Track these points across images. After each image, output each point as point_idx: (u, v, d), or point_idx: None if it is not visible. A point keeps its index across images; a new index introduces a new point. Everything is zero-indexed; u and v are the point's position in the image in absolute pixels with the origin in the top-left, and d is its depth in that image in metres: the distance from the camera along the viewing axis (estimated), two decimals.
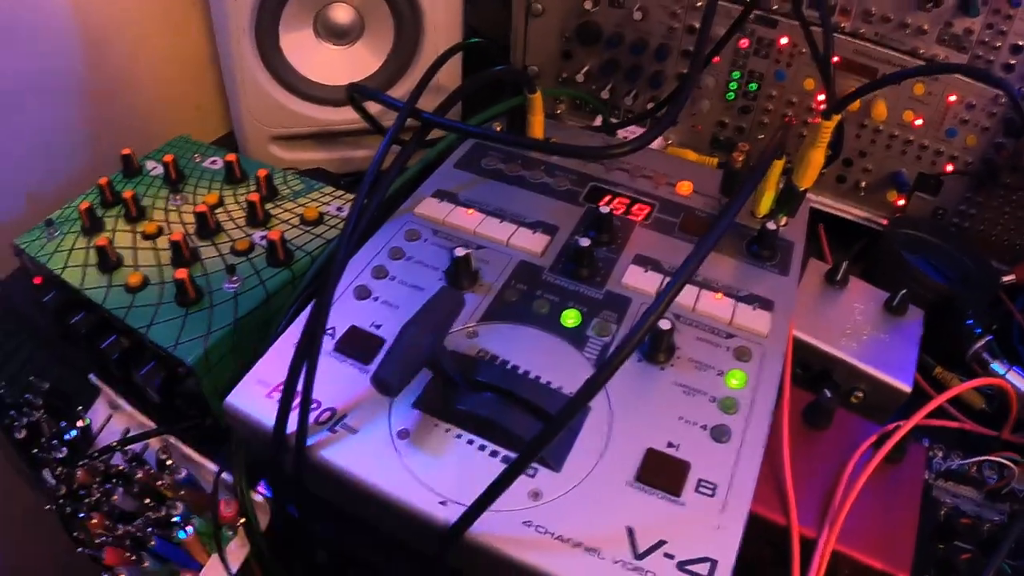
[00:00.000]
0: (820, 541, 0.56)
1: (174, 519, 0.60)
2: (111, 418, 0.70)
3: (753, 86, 0.92)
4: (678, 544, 0.49)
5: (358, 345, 0.59)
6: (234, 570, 0.58)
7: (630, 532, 0.50)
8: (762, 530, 0.56)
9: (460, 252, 0.63)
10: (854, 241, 0.95)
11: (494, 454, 0.53)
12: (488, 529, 0.49)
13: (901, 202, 0.93)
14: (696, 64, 0.77)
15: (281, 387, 0.54)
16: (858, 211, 0.96)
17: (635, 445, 0.54)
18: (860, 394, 0.71)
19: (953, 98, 0.84)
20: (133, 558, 0.60)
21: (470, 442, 0.54)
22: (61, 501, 0.64)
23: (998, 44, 0.80)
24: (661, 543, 0.49)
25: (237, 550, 0.59)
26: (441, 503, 0.51)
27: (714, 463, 0.53)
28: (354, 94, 0.72)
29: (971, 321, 0.78)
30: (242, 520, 0.59)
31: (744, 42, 0.90)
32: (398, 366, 0.51)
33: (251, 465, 0.60)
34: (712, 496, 0.52)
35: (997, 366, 0.76)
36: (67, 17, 0.85)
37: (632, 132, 0.95)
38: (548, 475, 0.52)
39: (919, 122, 0.87)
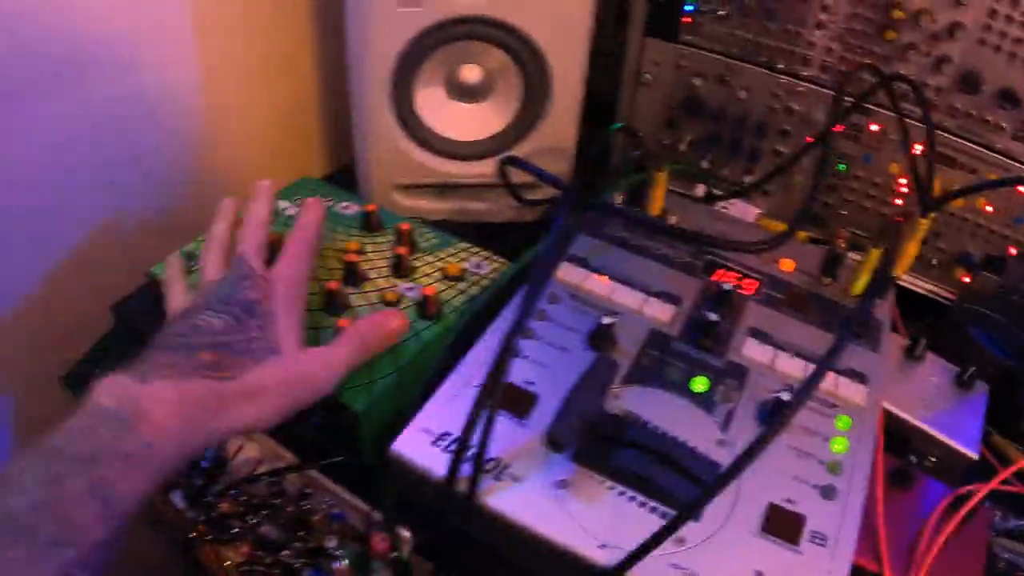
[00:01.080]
0: None
1: (329, 549, 0.64)
2: (243, 447, 0.74)
3: (842, 167, 0.98)
4: None
5: (514, 400, 0.65)
6: None
7: (759, 575, 0.56)
8: None
9: (607, 320, 0.69)
10: (920, 312, 0.99)
11: (643, 505, 0.59)
12: (641, 570, 0.54)
13: (967, 279, 0.97)
14: (824, 165, 0.82)
15: (445, 436, 0.61)
16: (927, 285, 1.00)
17: (760, 500, 0.61)
18: (934, 459, 0.76)
19: (1023, 189, 0.89)
20: None
21: (621, 494, 0.59)
22: (203, 531, 0.68)
23: None
24: None
25: None
26: (600, 546, 0.56)
27: (824, 517, 0.60)
28: (506, 163, 0.77)
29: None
30: (394, 554, 0.64)
31: (838, 127, 0.95)
32: (570, 427, 0.57)
33: (399, 505, 0.65)
34: (824, 546, 0.58)
35: None
36: (189, 51, 0.92)
37: (732, 204, 1.01)
38: (690, 524, 0.57)
39: (990, 208, 0.92)
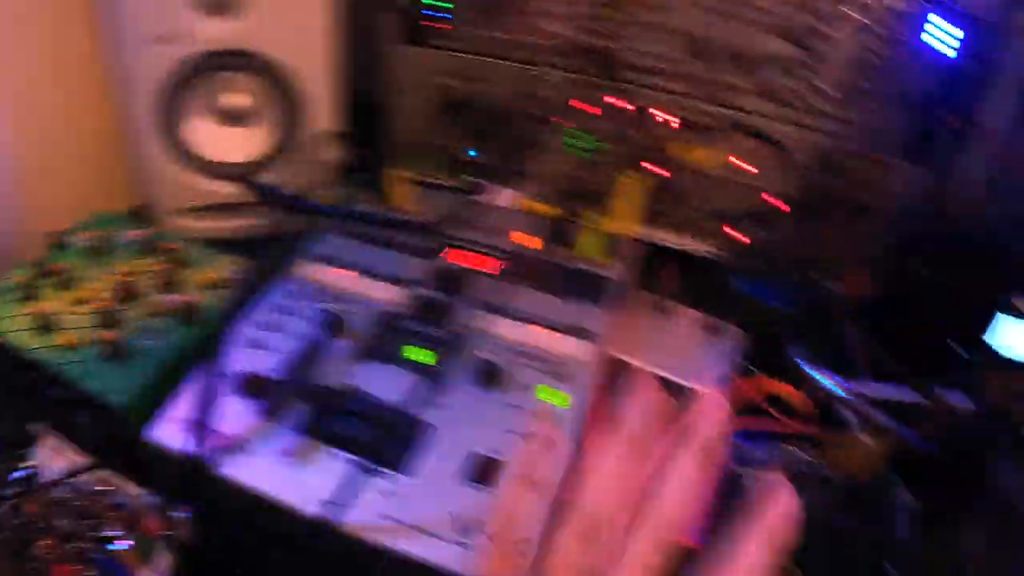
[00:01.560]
0: None
1: (112, 534, 0.74)
2: (51, 460, 0.79)
3: (591, 143, 1.06)
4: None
5: (251, 386, 0.74)
6: None
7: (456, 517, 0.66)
8: None
9: (331, 307, 0.80)
10: (694, 272, 1.05)
11: (360, 465, 0.69)
12: (356, 520, 0.65)
13: (734, 234, 1.03)
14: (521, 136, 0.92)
15: (190, 422, 0.70)
16: (695, 244, 1.06)
17: (464, 450, 0.70)
18: None
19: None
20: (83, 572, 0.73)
21: (347, 461, 0.69)
22: (13, 529, 0.76)
23: (804, 92, 0.93)
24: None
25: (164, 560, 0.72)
26: (319, 503, 0.66)
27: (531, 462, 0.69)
28: (253, 189, 0.89)
29: (789, 334, 0.91)
30: (167, 533, 0.73)
31: (582, 104, 1.03)
32: (278, 398, 0.67)
33: (172, 489, 0.73)
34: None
35: (811, 370, 0.88)
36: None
37: (500, 192, 1.08)
38: (400, 478, 0.68)
39: (744, 165, 0.99)
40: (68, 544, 0.74)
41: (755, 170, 0.99)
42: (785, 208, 1.00)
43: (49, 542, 0.73)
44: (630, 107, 0.89)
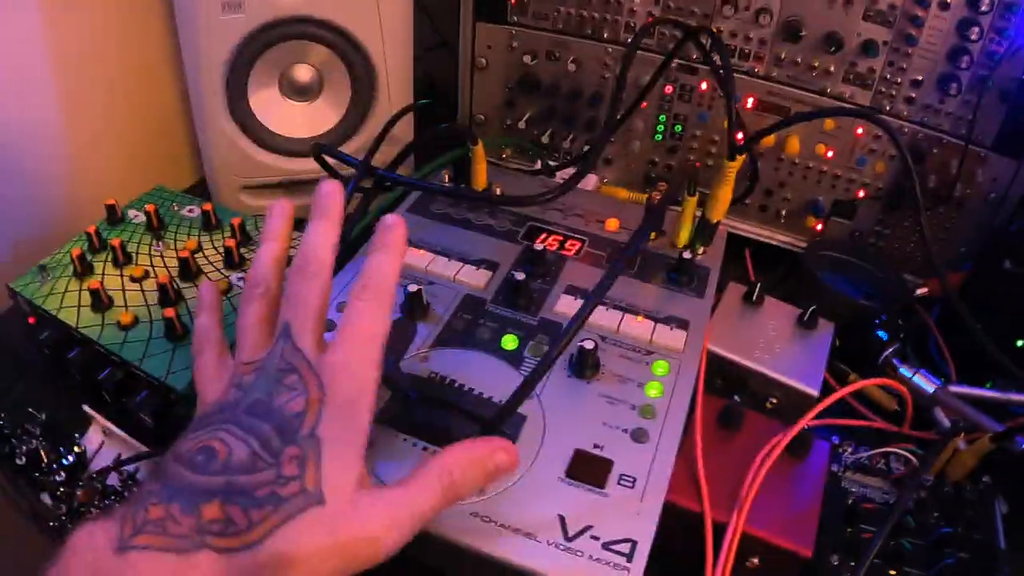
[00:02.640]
0: (730, 524, 0.64)
1: None
2: (103, 444, 0.77)
3: (678, 128, 1.03)
4: (603, 528, 0.58)
5: None
6: None
7: (561, 519, 0.58)
8: (682, 518, 0.65)
9: (412, 288, 0.73)
10: (782, 265, 1.04)
11: None
12: (441, 520, 0.56)
13: (819, 227, 1.02)
14: (611, 116, 0.87)
15: None
16: (781, 236, 1.05)
17: (565, 447, 0.63)
18: (775, 400, 0.78)
19: (860, 131, 0.94)
20: None
21: (425, 448, 0.63)
22: (63, 519, 0.72)
23: (899, 80, 0.90)
24: (588, 527, 0.58)
25: None
26: None
27: (634, 460, 0.63)
28: (318, 151, 0.82)
29: (881, 331, 0.86)
30: None
31: (668, 88, 1.00)
32: None
33: None
34: (632, 488, 0.61)
35: (904, 370, 0.83)
36: (47, 77, 0.93)
37: (568, 174, 1.04)
38: None
39: (831, 154, 0.97)
40: None
41: (842, 160, 0.97)
42: (871, 199, 0.98)
43: None
44: (724, 92, 0.84)
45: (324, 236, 0.55)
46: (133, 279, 0.81)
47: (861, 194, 0.98)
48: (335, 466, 0.45)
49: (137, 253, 0.84)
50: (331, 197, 0.57)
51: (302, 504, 0.43)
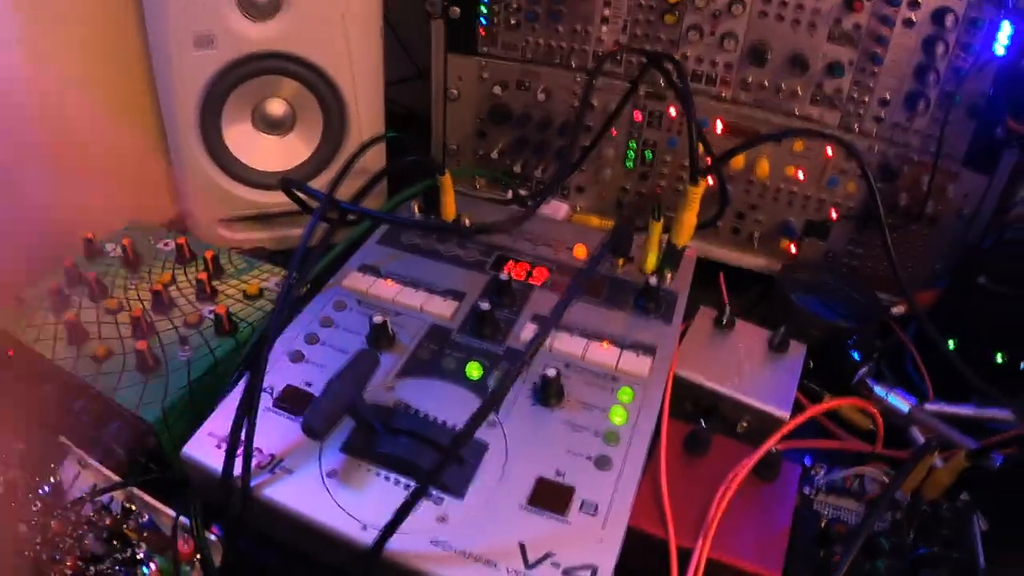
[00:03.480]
0: (696, 550, 0.64)
1: (139, 557, 0.69)
2: (80, 475, 0.78)
3: (648, 154, 1.04)
4: (564, 555, 0.59)
5: (293, 401, 0.70)
6: None
7: (522, 547, 0.60)
8: (647, 543, 0.66)
9: (378, 319, 0.74)
10: (756, 288, 1.04)
11: (408, 487, 0.63)
12: (401, 548, 0.59)
13: (793, 248, 1.03)
14: (573, 140, 0.90)
15: (226, 438, 0.65)
16: (755, 260, 1.06)
17: (527, 474, 0.64)
18: (745, 423, 0.79)
19: (830, 151, 0.95)
20: None
21: (387, 478, 0.64)
22: (38, 548, 0.73)
23: (866, 99, 0.91)
24: (549, 555, 0.59)
25: None
26: (363, 528, 0.61)
27: (596, 487, 0.64)
28: (285, 185, 0.84)
29: (854, 351, 0.87)
30: (198, 556, 0.69)
31: (638, 115, 1.02)
32: (322, 415, 0.62)
33: (205, 509, 0.68)
34: (594, 515, 0.62)
35: (879, 389, 0.84)
36: (25, 110, 0.94)
37: (547, 203, 1.06)
38: (453, 502, 0.62)
39: (801, 175, 0.98)
40: (93, 566, 0.70)
41: (813, 181, 0.98)
42: (844, 219, 0.99)
43: (73, 563, 0.70)
44: (686, 116, 0.85)
45: None
46: (108, 311, 0.82)
47: (834, 215, 0.99)
48: None
49: (113, 286, 0.86)
50: None
51: None
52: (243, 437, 0.64)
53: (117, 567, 0.69)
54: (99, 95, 1.02)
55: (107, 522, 0.72)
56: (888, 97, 0.91)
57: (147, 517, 0.73)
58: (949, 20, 0.84)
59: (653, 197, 0.82)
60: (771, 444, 0.72)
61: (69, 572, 0.70)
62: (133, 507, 0.73)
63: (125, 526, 0.72)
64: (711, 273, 0.96)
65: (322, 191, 0.80)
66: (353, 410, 0.64)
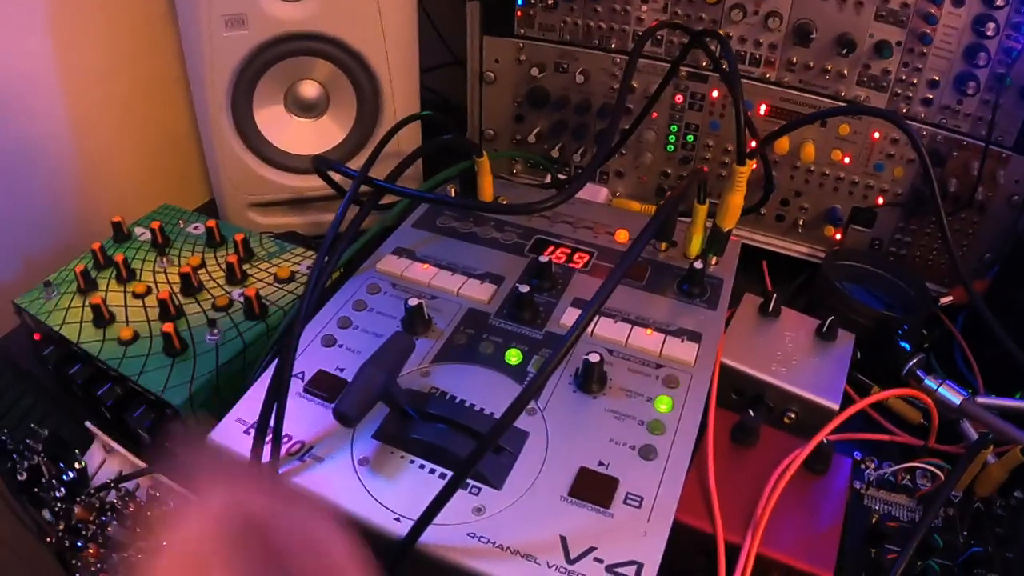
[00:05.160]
0: (744, 546, 0.61)
1: (163, 544, 0.67)
2: (105, 461, 0.76)
3: (690, 138, 1.01)
4: (607, 550, 0.56)
5: (324, 386, 0.67)
6: None
7: (563, 540, 0.56)
8: (693, 538, 0.63)
9: (413, 302, 0.71)
10: (800, 276, 1.02)
11: (442, 476, 0.60)
12: (437, 540, 0.56)
13: (838, 236, 1.00)
14: (613, 122, 0.86)
15: (256, 423, 0.62)
16: (799, 247, 1.03)
17: (569, 464, 0.61)
18: (793, 414, 0.76)
19: (877, 135, 0.92)
20: None
21: (422, 466, 0.61)
22: (60, 534, 0.71)
23: (915, 81, 0.88)
24: (591, 549, 0.56)
25: None
26: (395, 519, 0.58)
27: (641, 478, 0.61)
28: (319, 165, 0.81)
29: (903, 342, 0.83)
30: None
31: (679, 97, 0.99)
32: (355, 401, 0.59)
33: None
34: (639, 507, 0.59)
35: (929, 381, 0.80)
36: (57, 95, 0.93)
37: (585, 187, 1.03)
38: (491, 493, 0.59)
39: (847, 160, 0.95)
40: (117, 553, 0.68)
41: (859, 166, 0.95)
42: (890, 206, 0.96)
43: (96, 550, 0.68)
44: (732, 94, 0.82)
45: None
46: (136, 295, 0.81)
47: (880, 201, 0.96)
48: None
49: (141, 270, 0.84)
50: None
51: None
52: (272, 423, 0.61)
53: (140, 555, 0.67)
54: (129, 79, 1.02)
55: (131, 508, 0.70)
56: (937, 79, 0.88)
57: (172, 505, 0.71)
58: None
59: (697, 176, 0.79)
60: (824, 435, 0.69)
61: (92, 559, 0.69)
62: (158, 494, 0.71)
63: (150, 513, 0.70)
64: (751, 260, 0.92)
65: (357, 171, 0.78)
66: (387, 396, 0.61)
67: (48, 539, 0.71)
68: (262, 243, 0.89)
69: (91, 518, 0.71)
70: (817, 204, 1.00)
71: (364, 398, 0.59)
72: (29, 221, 0.95)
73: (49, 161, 0.96)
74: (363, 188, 0.77)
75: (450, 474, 0.60)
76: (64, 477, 0.74)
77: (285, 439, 0.63)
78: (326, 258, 0.69)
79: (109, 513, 0.71)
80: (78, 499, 0.72)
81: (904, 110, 0.91)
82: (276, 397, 0.62)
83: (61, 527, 0.71)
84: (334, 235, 0.69)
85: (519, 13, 1.01)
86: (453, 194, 0.90)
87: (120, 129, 1.03)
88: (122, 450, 0.74)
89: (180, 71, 1.05)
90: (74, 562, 0.69)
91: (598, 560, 0.56)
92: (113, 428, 0.74)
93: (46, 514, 0.73)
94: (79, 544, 0.69)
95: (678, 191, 0.74)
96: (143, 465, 0.75)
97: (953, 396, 0.79)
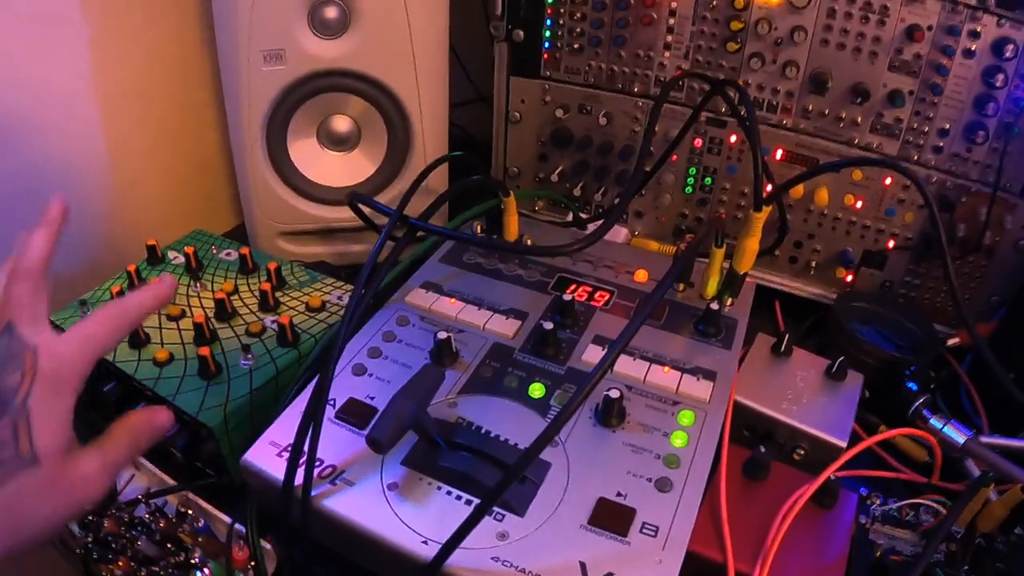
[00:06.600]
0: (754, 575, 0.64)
1: (192, 561, 0.69)
2: (134, 477, 0.78)
3: (708, 180, 1.04)
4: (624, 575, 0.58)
5: (355, 413, 0.70)
6: None
7: (583, 566, 0.59)
8: (705, 567, 0.65)
9: (442, 335, 0.74)
10: (812, 316, 1.04)
11: (468, 502, 0.63)
12: (461, 563, 0.58)
13: (849, 278, 1.02)
14: (638, 167, 0.89)
15: (290, 447, 0.64)
16: (811, 288, 1.05)
17: (589, 494, 0.64)
18: (802, 451, 0.78)
19: (888, 181, 0.94)
20: None
21: (448, 492, 0.64)
22: (89, 546, 0.73)
23: (926, 129, 0.90)
24: (609, 575, 0.58)
25: None
26: (423, 542, 0.60)
27: (657, 509, 0.63)
28: (353, 199, 0.84)
29: (911, 382, 0.85)
30: (252, 563, 0.68)
31: (698, 141, 1.02)
32: (387, 428, 0.61)
33: (261, 518, 0.69)
34: (655, 537, 0.61)
35: (935, 420, 0.82)
36: (94, 116, 0.96)
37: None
38: (514, 519, 0.62)
39: (860, 204, 0.97)
40: (144, 567, 0.70)
41: (871, 210, 0.97)
42: (900, 249, 0.98)
43: (126, 563, 0.70)
44: (750, 143, 0.84)
45: (39, 242, 0.60)
46: (170, 318, 0.83)
47: (891, 244, 0.98)
48: (45, 430, 0.51)
49: (175, 293, 0.86)
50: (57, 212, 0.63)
51: (18, 464, 0.49)
52: (306, 447, 0.64)
53: (170, 570, 0.69)
54: (163, 103, 1.05)
55: (161, 524, 0.72)
56: (947, 127, 0.90)
57: (203, 522, 0.73)
58: (1009, 50, 0.83)
59: (715, 222, 0.82)
60: (832, 471, 0.71)
61: (120, 572, 0.70)
62: (189, 511, 0.74)
63: (180, 530, 0.72)
64: (767, 300, 0.94)
65: (390, 207, 0.81)
66: (417, 425, 0.64)
67: (76, 550, 0.73)
68: (293, 272, 0.91)
69: (120, 531, 0.73)
70: (830, 247, 1.02)
71: (396, 426, 0.62)
72: (60, 239, 0.97)
73: (83, 180, 0.98)
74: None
75: (475, 500, 0.63)
76: None
77: (317, 463, 0.65)
78: (363, 290, 0.72)
79: (139, 528, 0.73)
80: (108, 512, 0.74)
81: (915, 157, 0.93)
82: (311, 420, 0.64)
83: (89, 539, 0.73)
84: (371, 266, 0.71)
85: (546, 56, 1.04)
86: (480, 231, 0.93)
87: (152, 153, 1.06)
88: (151, 467, 0.77)
89: (212, 98, 1.08)
90: (104, 575, 0.72)
91: None
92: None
93: (74, 526, 0.75)
94: (109, 556, 0.71)
95: (697, 238, 0.77)
96: (172, 482, 0.77)
97: (957, 435, 0.81)
